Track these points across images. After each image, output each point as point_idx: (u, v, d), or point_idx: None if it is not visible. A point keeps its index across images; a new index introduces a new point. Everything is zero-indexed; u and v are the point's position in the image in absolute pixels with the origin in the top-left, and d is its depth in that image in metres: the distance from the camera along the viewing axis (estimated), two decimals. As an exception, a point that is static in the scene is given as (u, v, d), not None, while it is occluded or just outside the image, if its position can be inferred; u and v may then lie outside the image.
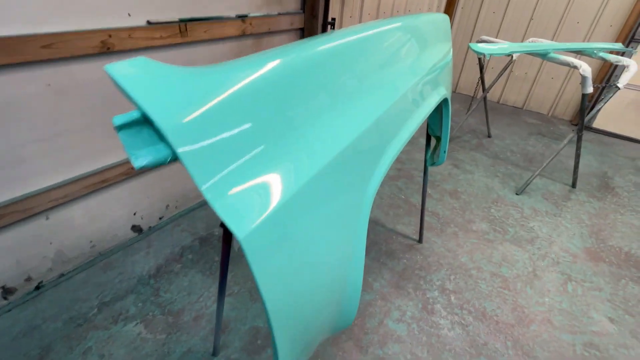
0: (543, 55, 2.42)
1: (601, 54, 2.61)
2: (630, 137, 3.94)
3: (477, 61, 4.90)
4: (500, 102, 4.89)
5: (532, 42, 3.11)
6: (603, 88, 3.77)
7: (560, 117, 4.53)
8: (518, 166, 3.20)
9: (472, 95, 5.09)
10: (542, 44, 2.47)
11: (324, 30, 2.49)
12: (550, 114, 4.59)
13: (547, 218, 2.55)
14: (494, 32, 4.67)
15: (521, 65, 4.57)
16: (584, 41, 4.07)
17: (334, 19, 2.55)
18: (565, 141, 2.60)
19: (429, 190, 2.73)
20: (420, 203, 2.09)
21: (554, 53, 2.40)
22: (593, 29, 3.97)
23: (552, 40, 4.26)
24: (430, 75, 1.20)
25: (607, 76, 3.93)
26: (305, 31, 2.49)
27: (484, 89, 3.40)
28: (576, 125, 4.34)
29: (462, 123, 3.43)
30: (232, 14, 2.01)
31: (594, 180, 3.08)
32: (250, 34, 2.13)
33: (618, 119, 3.97)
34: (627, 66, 2.43)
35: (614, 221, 2.57)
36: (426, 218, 2.41)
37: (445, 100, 1.40)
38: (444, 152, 1.66)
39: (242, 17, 2.04)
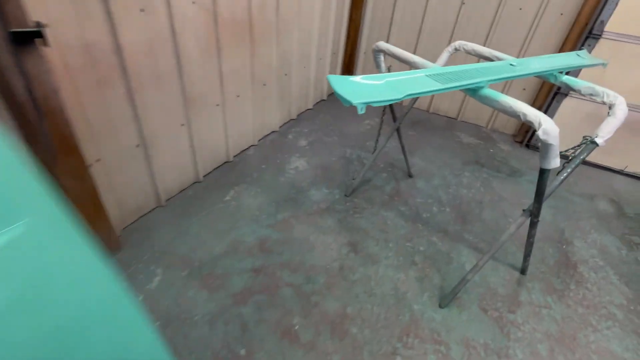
0: (473, 92, 1.29)
1: (565, 79, 1.55)
2: (587, 161, 3.09)
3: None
4: (431, 110, 3.85)
5: (457, 47, 1.98)
6: (567, 159, 2.81)
7: (500, 131, 3.59)
8: (446, 235, 2.15)
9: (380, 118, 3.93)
10: (467, 68, 1.33)
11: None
12: (489, 127, 3.63)
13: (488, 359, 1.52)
14: (413, 34, 3.53)
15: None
16: (527, 35, 3.07)
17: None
18: (513, 229, 1.55)
19: (296, 320, 1.57)
20: None
21: (489, 89, 1.27)
22: (540, 17, 2.97)
23: (486, 40, 3.22)
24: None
25: (548, 100, 2.97)
26: None
27: (394, 118, 2.26)
28: (520, 143, 3.55)
29: (374, 158, 2.32)
30: None
31: (548, 253, 2.12)
32: None
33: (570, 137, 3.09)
34: (613, 105, 1.38)
35: (586, 349, 1.61)
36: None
37: None
38: None
39: None
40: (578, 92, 1.50)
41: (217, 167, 2.52)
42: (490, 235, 2.19)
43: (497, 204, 2.48)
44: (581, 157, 1.41)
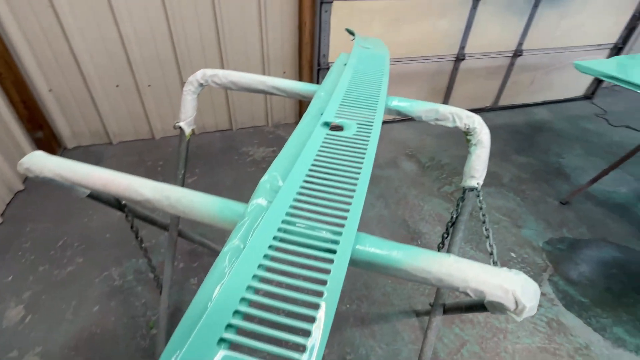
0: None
1: (395, 105, 1.01)
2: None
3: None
4: (198, 131, 2.92)
5: (203, 82, 1.13)
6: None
7: (285, 123, 3.13)
8: None
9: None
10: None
11: None
12: (271, 123, 3.08)
13: None
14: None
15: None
16: (260, 18, 2.48)
17: None
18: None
19: None
20: None
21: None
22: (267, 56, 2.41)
23: (221, 59, 2.44)
24: None
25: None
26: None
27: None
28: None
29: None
30: None
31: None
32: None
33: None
34: (473, 130, 0.94)
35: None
36: None
37: None
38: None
39: None
40: (418, 119, 1.00)
41: None
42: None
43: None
44: (468, 211, 0.97)
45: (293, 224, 0.52)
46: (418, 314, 1.63)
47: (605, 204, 2.35)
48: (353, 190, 0.59)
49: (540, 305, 1.70)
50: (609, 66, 1.63)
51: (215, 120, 2.90)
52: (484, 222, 0.83)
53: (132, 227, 1.10)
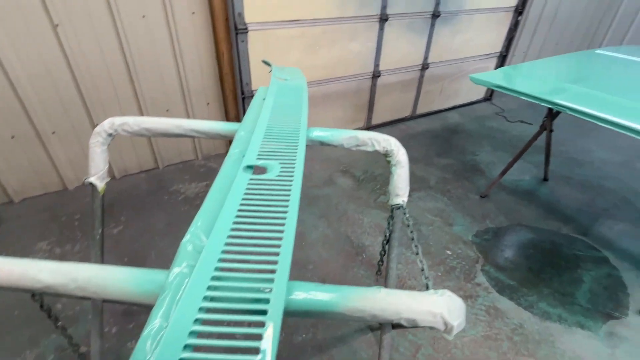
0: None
1: (316, 136, 1.03)
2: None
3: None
4: (128, 173, 2.67)
5: (112, 132, 1.05)
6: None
7: (217, 154, 3.02)
8: None
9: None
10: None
11: None
12: (200, 156, 2.96)
13: None
14: None
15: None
16: (173, 49, 2.40)
17: None
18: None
19: None
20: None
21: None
22: (173, 19, 2.34)
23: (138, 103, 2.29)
24: None
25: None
26: None
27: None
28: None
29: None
30: None
31: (362, 275, 1.91)
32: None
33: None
34: (391, 152, 1.00)
35: None
36: None
37: None
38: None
39: None
40: (339, 147, 1.03)
41: None
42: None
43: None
44: (398, 228, 1.02)
45: (220, 289, 0.50)
46: (372, 329, 1.66)
47: (515, 192, 2.67)
48: (280, 238, 0.58)
49: (478, 296, 1.85)
50: (497, 77, 1.89)
51: (137, 160, 2.70)
52: (412, 239, 0.88)
53: (41, 306, 0.94)
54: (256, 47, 2.52)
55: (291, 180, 0.72)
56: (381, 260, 1.21)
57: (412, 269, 1.99)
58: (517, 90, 1.71)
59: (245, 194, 0.68)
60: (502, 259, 2.09)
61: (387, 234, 1.04)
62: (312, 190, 2.61)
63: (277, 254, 0.55)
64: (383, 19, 2.91)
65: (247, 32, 2.41)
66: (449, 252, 2.11)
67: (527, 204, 2.54)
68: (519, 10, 3.66)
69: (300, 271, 1.96)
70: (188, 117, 2.69)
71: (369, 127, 3.51)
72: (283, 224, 0.61)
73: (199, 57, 2.53)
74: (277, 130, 0.92)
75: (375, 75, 3.19)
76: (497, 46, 3.88)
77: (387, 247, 1.04)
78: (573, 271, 2.00)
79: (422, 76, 3.51)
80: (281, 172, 0.75)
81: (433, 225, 2.31)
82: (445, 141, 3.39)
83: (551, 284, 1.93)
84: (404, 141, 3.91)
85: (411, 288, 1.87)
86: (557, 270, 2.01)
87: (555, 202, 2.56)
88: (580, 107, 1.58)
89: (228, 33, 2.40)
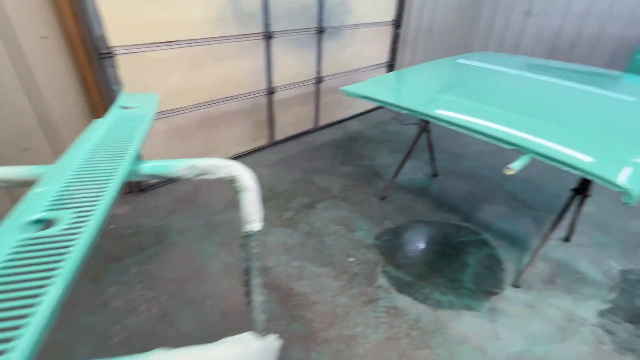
0: None
1: (148, 169, 0.93)
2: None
3: None
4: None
5: None
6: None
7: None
8: None
9: None
10: None
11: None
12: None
13: None
14: None
15: None
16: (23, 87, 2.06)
17: None
18: None
19: None
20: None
21: None
22: (15, 40, 2.01)
23: None
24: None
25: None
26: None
27: None
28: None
29: None
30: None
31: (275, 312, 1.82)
32: None
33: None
34: (237, 177, 0.95)
35: None
36: None
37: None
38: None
39: None
40: (180, 179, 0.95)
41: None
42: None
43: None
44: (255, 252, 0.97)
45: None
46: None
47: (411, 190, 2.86)
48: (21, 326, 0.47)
49: (379, 298, 1.90)
50: (364, 88, 2.00)
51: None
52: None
53: None
54: (130, 71, 2.31)
55: (79, 233, 0.62)
56: (246, 293, 1.15)
57: (316, 283, 1.97)
58: (383, 100, 1.83)
59: (8, 260, 0.56)
60: (401, 257, 2.19)
61: (244, 266, 0.98)
62: (212, 217, 2.47)
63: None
64: (268, 36, 2.92)
65: (113, 57, 2.20)
66: (351, 259, 2.14)
67: (421, 200, 2.74)
68: (397, 24, 4.02)
69: (198, 307, 1.81)
70: (54, 154, 2.34)
71: (273, 144, 3.48)
72: (37, 296, 0.50)
73: (61, 87, 2.23)
74: (92, 170, 0.81)
75: (270, 91, 3.18)
76: (384, 57, 4.20)
77: (247, 278, 0.98)
78: (460, 257, 2.19)
79: (318, 89, 3.62)
80: (72, 223, 0.64)
81: (337, 235, 2.34)
82: (348, 149, 3.52)
83: (443, 273, 2.07)
84: (309, 153, 3.92)
85: (315, 303, 1.84)
86: (447, 259, 2.17)
87: (444, 195, 2.81)
88: (443, 117, 1.72)
89: (90, 59, 2.16)
